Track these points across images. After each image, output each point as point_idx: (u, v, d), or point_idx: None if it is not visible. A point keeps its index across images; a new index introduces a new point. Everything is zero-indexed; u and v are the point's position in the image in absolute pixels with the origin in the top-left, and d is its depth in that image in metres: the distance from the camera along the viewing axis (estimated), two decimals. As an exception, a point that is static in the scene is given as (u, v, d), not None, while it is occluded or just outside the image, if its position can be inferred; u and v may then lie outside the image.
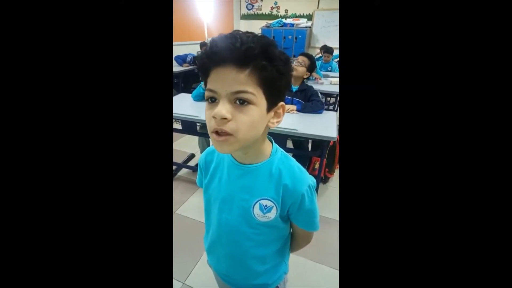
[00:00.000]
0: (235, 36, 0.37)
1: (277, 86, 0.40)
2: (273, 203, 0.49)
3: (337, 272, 0.29)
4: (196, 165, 2.15)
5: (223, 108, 0.38)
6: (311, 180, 0.50)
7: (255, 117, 0.39)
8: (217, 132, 0.39)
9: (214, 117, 0.38)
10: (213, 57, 0.38)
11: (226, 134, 0.39)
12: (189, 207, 1.72)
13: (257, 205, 0.49)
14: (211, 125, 0.39)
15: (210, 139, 2.19)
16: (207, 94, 0.40)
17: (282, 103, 0.43)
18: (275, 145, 0.51)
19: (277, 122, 0.44)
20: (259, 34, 0.39)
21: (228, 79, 0.37)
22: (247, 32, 0.39)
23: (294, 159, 0.52)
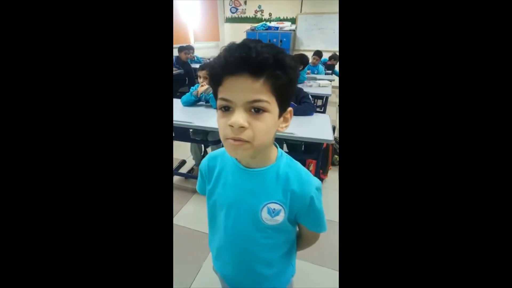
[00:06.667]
0: (249, 46, 0.38)
1: (288, 92, 0.42)
2: (281, 206, 0.49)
3: (338, 273, 0.31)
4: (189, 171, 2.12)
5: (240, 117, 0.38)
6: (318, 182, 0.51)
7: (270, 123, 0.41)
8: (232, 138, 0.40)
9: (230, 126, 0.39)
10: (227, 66, 0.38)
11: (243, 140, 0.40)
12: (184, 216, 1.67)
13: (265, 209, 0.50)
14: (226, 133, 0.40)
15: (202, 146, 2.15)
16: (220, 103, 0.41)
17: (290, 108, 0.45)
18: (280, 149, 0.52)
19: (285, 126, 0.46)
20: (267, 42, 0.40)
21: (244, 89, 0.38)
22: (257, 40, 0.40)
23: (299, 163, 0.53)
